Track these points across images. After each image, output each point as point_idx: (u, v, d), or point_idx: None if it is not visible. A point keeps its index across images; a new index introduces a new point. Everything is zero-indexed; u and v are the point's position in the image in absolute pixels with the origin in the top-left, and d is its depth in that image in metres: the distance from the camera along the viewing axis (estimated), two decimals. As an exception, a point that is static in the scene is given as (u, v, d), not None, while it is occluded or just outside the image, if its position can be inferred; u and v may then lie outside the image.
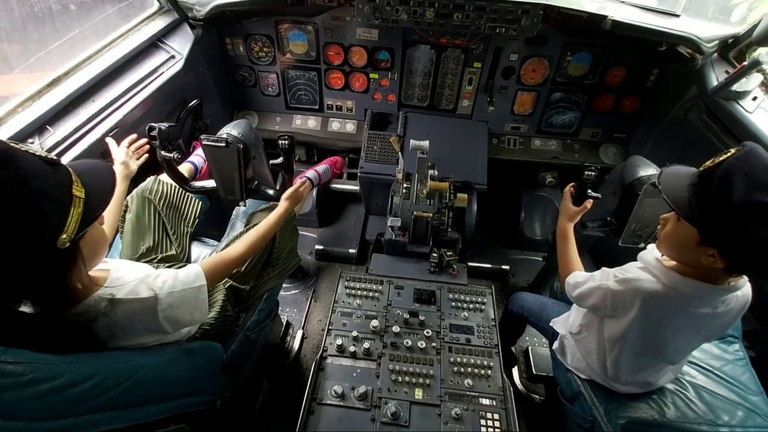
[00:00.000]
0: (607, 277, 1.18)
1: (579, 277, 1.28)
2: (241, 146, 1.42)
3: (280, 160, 1.53)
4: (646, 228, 1.43)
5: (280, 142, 1.47)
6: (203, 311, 1.05)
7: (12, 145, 0.69)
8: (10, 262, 0.67)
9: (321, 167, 2.34)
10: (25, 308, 0.79)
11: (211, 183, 1.56)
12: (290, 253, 1.57)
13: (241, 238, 1.30)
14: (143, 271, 1.00)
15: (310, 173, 2.24)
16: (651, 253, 1.14)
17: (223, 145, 1.39)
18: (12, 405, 0.61)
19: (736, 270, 0.95)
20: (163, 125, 1.39)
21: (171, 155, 1.43)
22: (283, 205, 1.45)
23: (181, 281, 0.98)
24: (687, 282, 1.01)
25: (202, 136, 1.40)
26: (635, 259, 1.18)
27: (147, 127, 1.38)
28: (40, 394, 0.64)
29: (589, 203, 1.49)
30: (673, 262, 1.07)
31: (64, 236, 0.71)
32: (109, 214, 1.35)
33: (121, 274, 0.95)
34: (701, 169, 0.92)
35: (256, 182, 1.56)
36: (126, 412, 0.78)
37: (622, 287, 1.11)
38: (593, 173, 1.49)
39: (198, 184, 1.58)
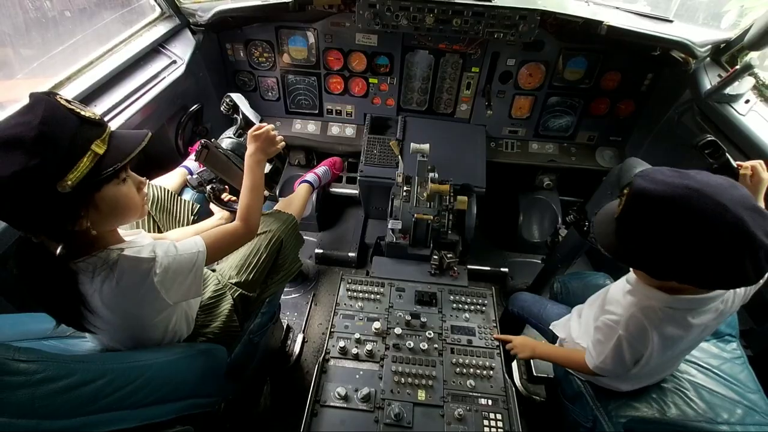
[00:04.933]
0: (610, 329, 1.09)
1: (595, 353, 1.15)
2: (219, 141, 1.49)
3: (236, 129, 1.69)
4: None
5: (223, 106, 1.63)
6: (198, 283, 1.02)
7: (50, 98, 0.79)
8: (13, 193, 0.74)
9: (320, 169, 2.35)
10: (51, 248, 0.83)
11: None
12: (293, 259, 1.58)
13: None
14: None
15: (310, 176, 2.25)
16: (624, 282, 1.12)
17: (201, 147, 1.44)
18: (25, 403, 0.61)
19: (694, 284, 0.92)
20: (193, 179, 1.59)
21: (210, 190, 1.58)
22: (251, 146, 1.30)
23: (178, 247, 0.99)
24: (677, 300, 0.98)
25: (191, 157, 1.46)
26: None
27: None
28: (52, 392, 0.65)
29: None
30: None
31: (69, 182, 0.76)
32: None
33: (141, 239, 0.99)
34: (615, 215, 0.97)
35: None
36: (135, 412, 0.78)
37: (630, 331, 1.05)
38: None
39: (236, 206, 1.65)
